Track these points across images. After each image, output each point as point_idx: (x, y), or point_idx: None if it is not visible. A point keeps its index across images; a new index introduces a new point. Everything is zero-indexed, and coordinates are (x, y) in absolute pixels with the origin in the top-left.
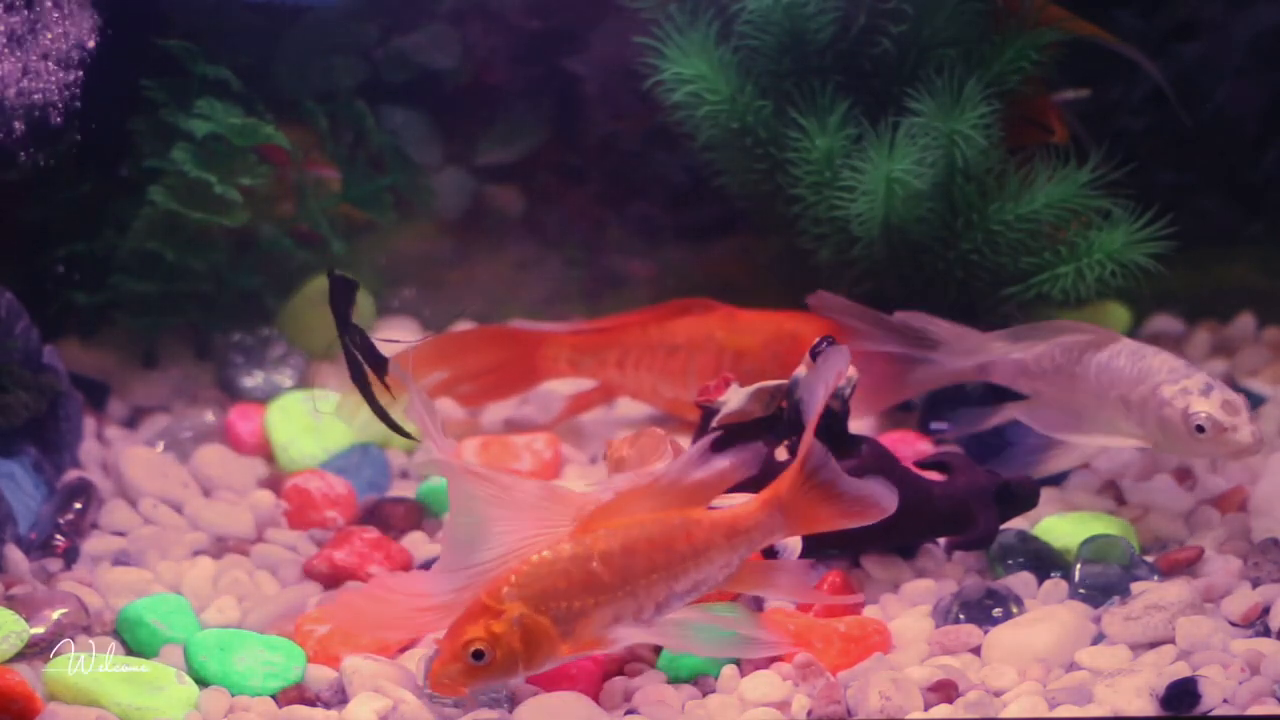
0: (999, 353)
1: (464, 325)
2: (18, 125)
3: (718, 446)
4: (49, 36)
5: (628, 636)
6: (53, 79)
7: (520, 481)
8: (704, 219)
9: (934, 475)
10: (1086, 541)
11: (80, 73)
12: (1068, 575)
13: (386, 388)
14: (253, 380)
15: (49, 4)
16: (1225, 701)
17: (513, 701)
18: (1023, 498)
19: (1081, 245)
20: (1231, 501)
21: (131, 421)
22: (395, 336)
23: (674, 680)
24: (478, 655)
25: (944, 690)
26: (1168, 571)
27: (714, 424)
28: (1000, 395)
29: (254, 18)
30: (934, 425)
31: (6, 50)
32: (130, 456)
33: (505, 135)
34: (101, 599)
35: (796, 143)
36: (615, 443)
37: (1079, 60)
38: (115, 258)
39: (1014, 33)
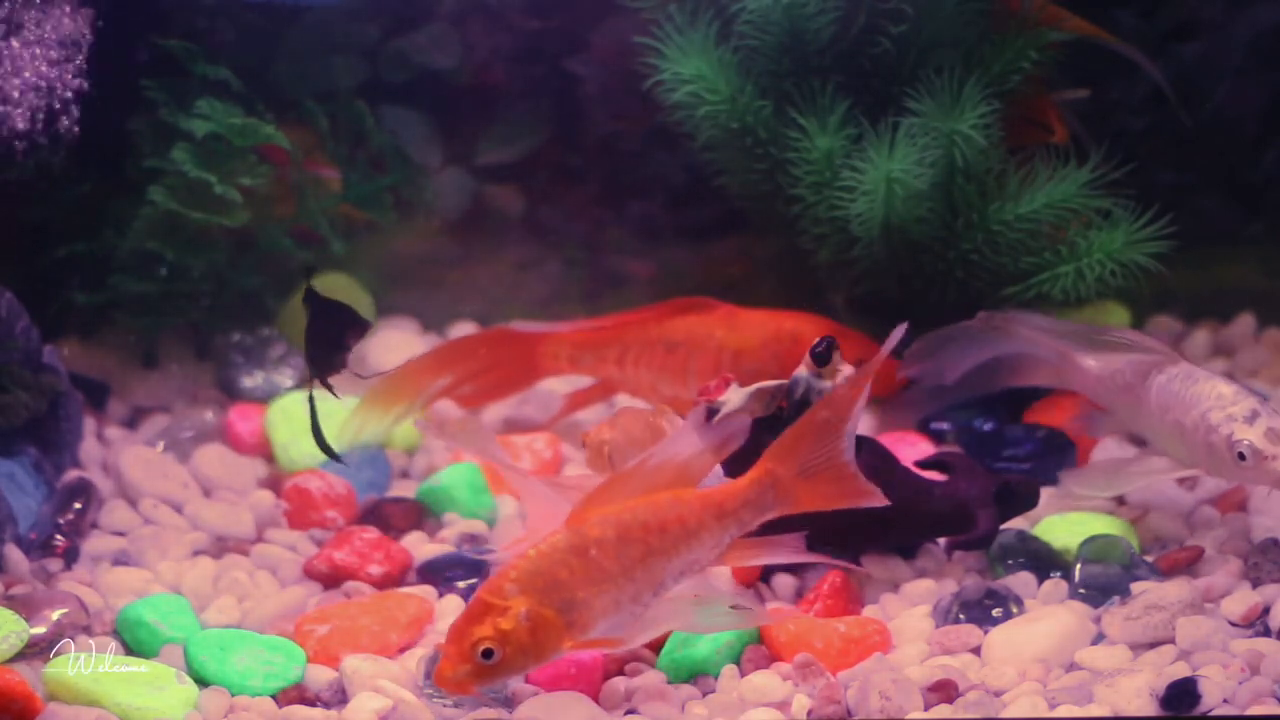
0: (1079, 362)
1: (464, 326)
2: (17, 125)
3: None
4: (49, 36)
5: (635, 632)
6: (53, 78)
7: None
8: (704, 219)
9: (934, 475)
10: (1086, 541)
11: (79, 73)
12: (1068, 575)
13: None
14: (253, 380)
15: (49, 4)
16: (1225, 701)
17: (513, 701)
18: (1023, 498)
19: (1081, 245)
20: (1231, 501)
21: (131, 421)
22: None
23: (674, 680)
24: (487, 654)
25: (944, 690)
26: (1168, 571)
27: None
28: (1000, 399)
29: (254, 18)
30: (934, 425)
31: (6, 50)
32: (130, 456)
33: (505, 135)
34: (101, 599)
35: (796, 143)
36: (593, 430)
37: (1079, 60)
38: (115, 258)
39: (1014, 33)
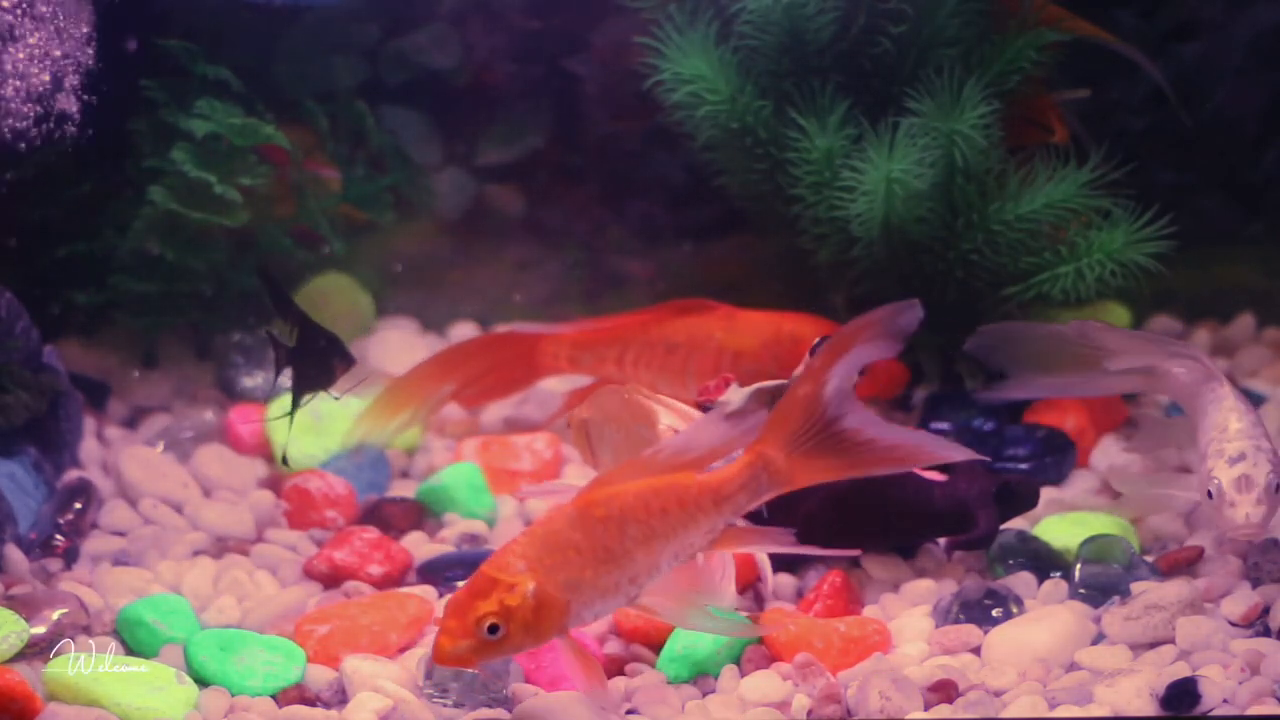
0: (1167, 367)
1: (464, 326)
2: (17, 125)
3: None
4: (48, 35)
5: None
6: (53, 77)
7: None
8: (704, 219)
9: (934, 475)
10: (1086, 541)
11: (79, 73)
12: (1068, 575)
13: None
14: (253, 380)
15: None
16: (1225, 701)
17: (513, 701)
18: (1023, 498)
19: (1081, 245)
20: None
21: (131, 421)
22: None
23: (674, 680)
24: (493, 630)
25: (944, 690)
26: (1168, 571)
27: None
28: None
29: (254, 18)
30: (934, 425)
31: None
32: (130, 456)
33: (505, 135)
34: (101, 599)
35: (796, 143)
36: (574, 410)
37: (1079, 60)
38: (115, 258)
39: (1014, 33)
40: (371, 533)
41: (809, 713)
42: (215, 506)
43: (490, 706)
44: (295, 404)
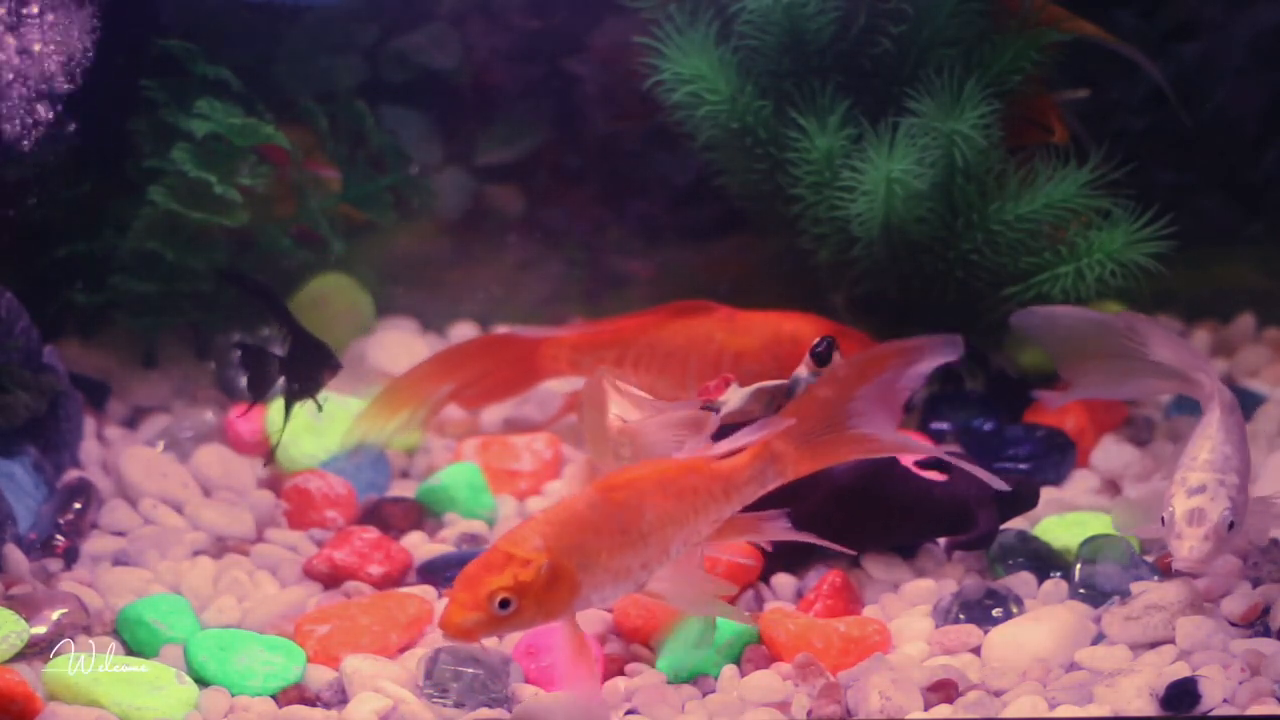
0: (1197, 378)
1: (464, 326)
2: (17, 125)
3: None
4: (48, 35)
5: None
6: (52, 78)
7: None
8: (704, 219)
9: (934, 475)
10: (1086, 541)
11: (80, 72)
12: (1068, 575)
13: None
14: None
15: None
16: (1225, 701)
17: (512, 701)
18: (1023, 498)
19: (1081, 245)
20: None
21: (131, 421)
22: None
23: (674, 680)
24: (504, 604)
25: (944, 690)
26: (1168, 571)
27: None
28: (1001, 399)
29: (254, 18)
30: (934, 425)
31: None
32: (130, 456)
33: (505, 135)
34: (101, 599)
35: (796, 143)
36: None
37: (1079, 60)
38: (115, 258)
39: (1014, 33)
40: (371, 533)
41: (809, 713)
42: (215, 506)
43: (490, 706)
44: (288, 409)
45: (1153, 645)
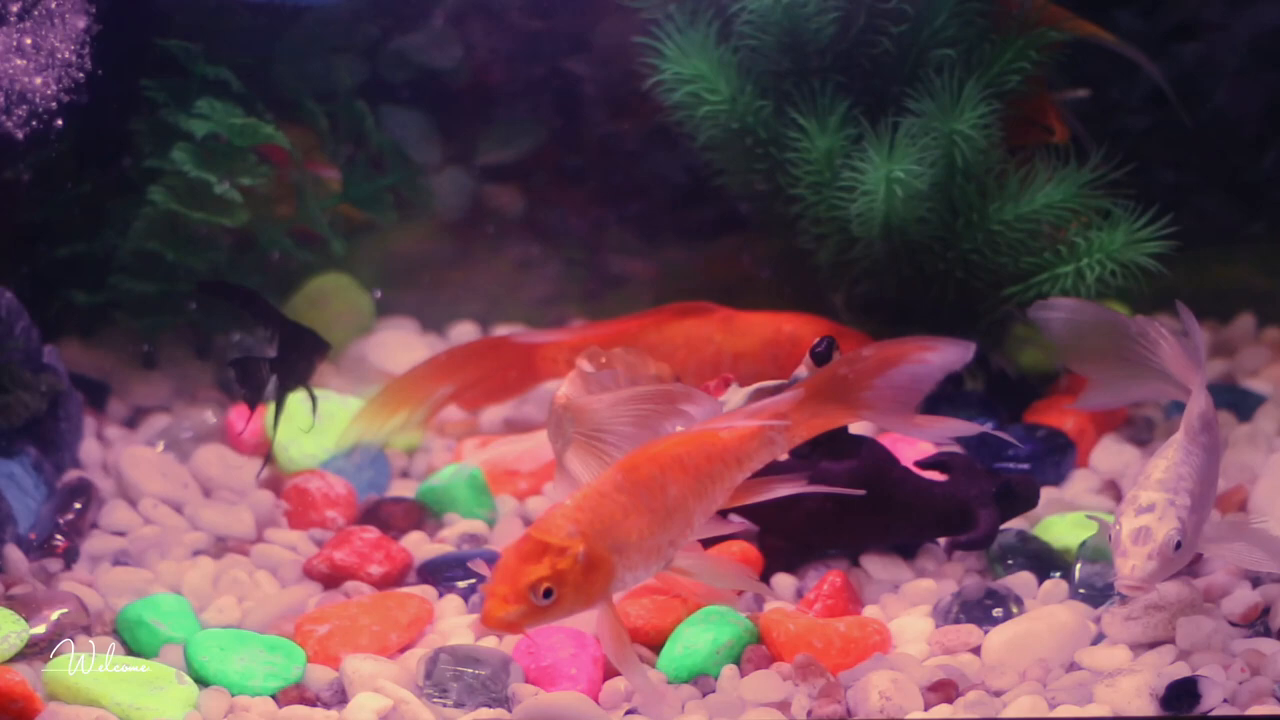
0: (1198, 383)
1: (464, 326)
2: (16, 124)
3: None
4: (48, 34)
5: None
6: (52, 78)
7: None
8: (704, 219)
9: (934, 475)
10: (1086, 541)
11: (80, 72)
12: (1068, 575)
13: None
14: None
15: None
16: (1225, 701)
17: (512, 701)
18: (1023, 498)
19: (1081, 245)
20: (1231, 501)
21: (131, 421)
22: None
23: (674, 680)
24: (546, 594)
25: (944, 690)
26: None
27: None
28: (1001, 399)
29: (254, 18)
30: None
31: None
32: (130, 456)
33: (505, 135)
34: (101, 599)
35: (796, 143)
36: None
37: (1079, 60)
38: (115, 258)
39: (1014, 33)
40: (371, 533)
41: (809, 713)
42: (215, 506)
43: (490, 706)
44: (280, 403)
45: (1153, 645)
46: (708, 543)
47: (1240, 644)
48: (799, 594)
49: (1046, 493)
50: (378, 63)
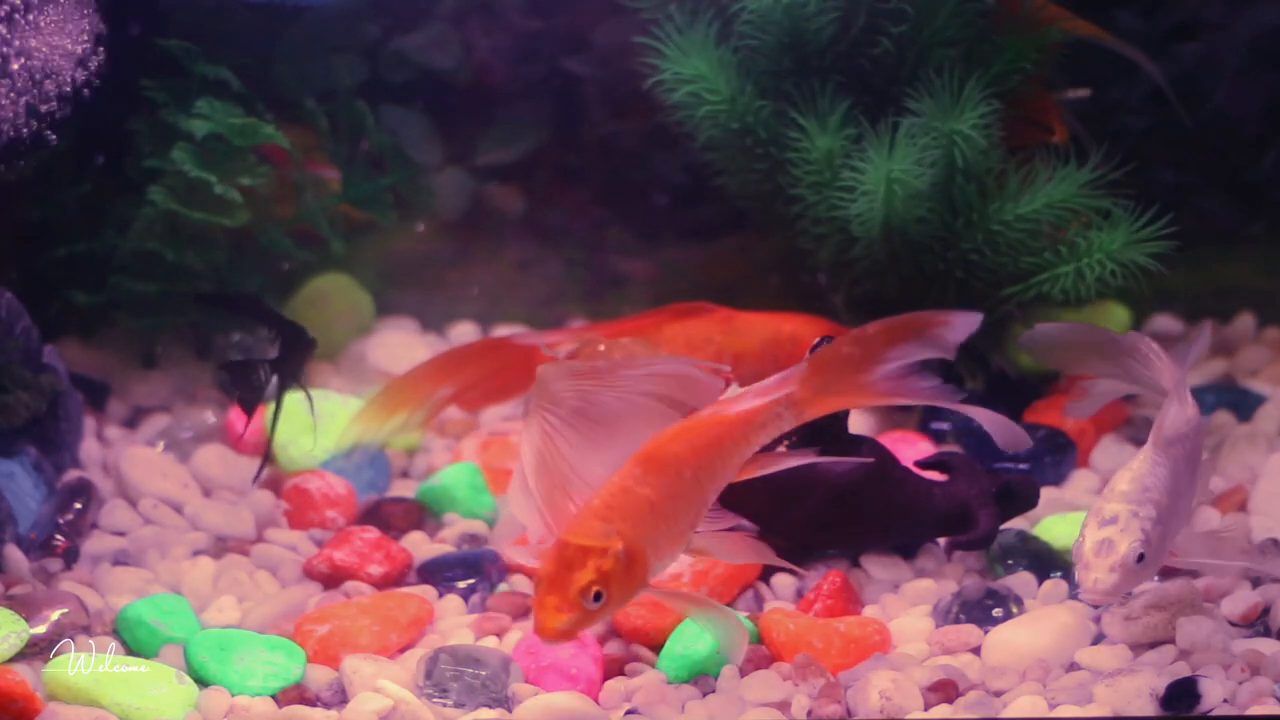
0: (1183, 401)
1: (464, 326)
2: (17, 124)
3: None
4: (48, 34)
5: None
6: (51, 78)
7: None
8: (704, 219)
9: (934, 475)
10: None
11: (79, 72)
12: (1068, 575)
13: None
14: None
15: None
16: (1225, 701)
17: (512, 701)
18: (1023, 498)
19: (1081, 245)
20: (1231, 501)
21: (131, 421)
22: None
23: (674, 680)
24: (597, 597)
25: (944, 690)
26: (1168, 571)
27: None
28: (1001, 399)
29: (254, 18)
30: (934, 425)
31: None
32: (130, 456)
33: (505, 135)
34: (101, 599)
35: (796, 143)
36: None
37: (1079, 60)
38: (115, 258)
39: (1014, 33)
40: (371, 533)
41: (809, 713)
42: (215, 506)
43: (490, 707)
44: (278, 404)
45: (1153, 645)
46: None
47: (1240, 644)
48: (799, 594)
49: (1046, 493)
50: (378, 63)
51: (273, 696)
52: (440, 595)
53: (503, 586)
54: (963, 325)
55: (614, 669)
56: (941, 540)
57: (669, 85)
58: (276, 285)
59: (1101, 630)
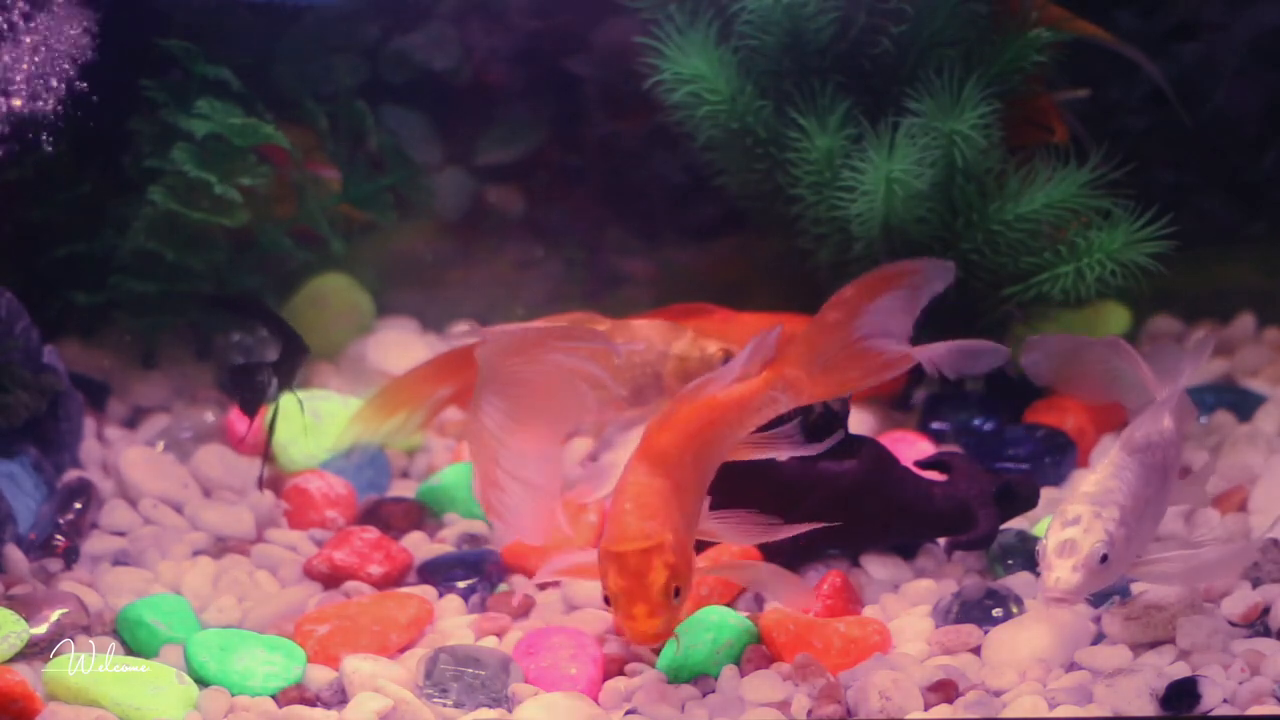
0: (1162, 408)
1: (464, 326)
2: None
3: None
4: (49, 34)
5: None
6: (52, 78)
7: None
8: (704, 219)
9: (934, 475)
10: None
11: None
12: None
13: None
14: None
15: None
16: (1225, 701)
17: (512, 701)
18: (1023, 498)
19: (1081, 245)
20: (1231, 501)
21: (131, 421)
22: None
23: (674, 680)
24: (677, 593)
25: (944, 690)
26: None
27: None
28: (1001, 399)
29: (254, 18)
30: (934, 425)
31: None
32: (130, 456)
33: (505, 135)
34: (101, 599)
35: (796, 143)
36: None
37: (1079, 60)
38: (115, 258)
39: (1014, 33)
40: (371, 533)
41: (809, 713)
42: (215, 506)
43: (490, 706)
44: (276, 405)
45: (1153, 645)
46: (703, 544)
47: (1240, 644)
48: None
49: (1046, 493)
50: (378, 63)
51: (273, 696)
52: (440, 595)
53: (503, 586)
54: (936, 272)
55: (614, 669)
56: (941, 540)
57: (669, 85)
58: (276, 285)
59: (1101, 630)
